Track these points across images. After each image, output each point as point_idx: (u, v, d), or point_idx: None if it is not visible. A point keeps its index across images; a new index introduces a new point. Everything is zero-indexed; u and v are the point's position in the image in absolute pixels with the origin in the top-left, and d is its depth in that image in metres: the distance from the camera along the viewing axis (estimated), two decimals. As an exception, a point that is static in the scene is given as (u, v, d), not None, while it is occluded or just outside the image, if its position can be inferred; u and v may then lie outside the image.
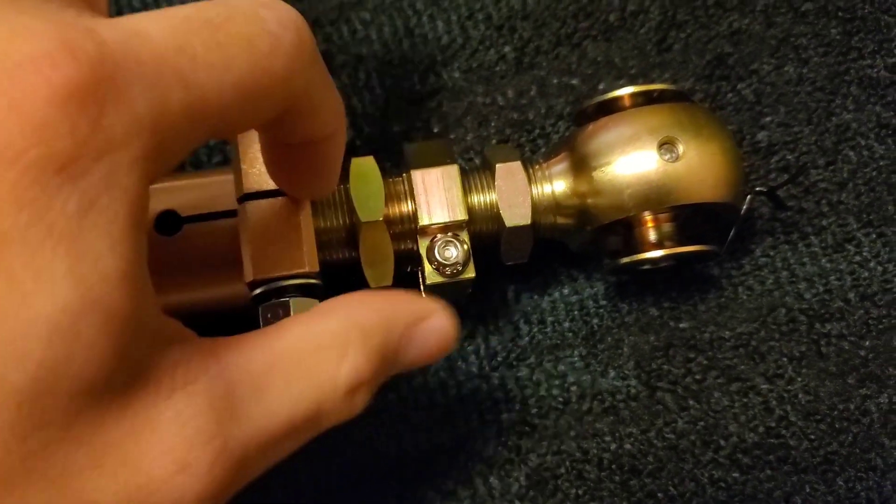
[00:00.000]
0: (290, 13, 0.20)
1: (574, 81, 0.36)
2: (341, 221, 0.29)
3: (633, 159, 0.29)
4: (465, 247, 0.29)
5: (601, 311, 0.34)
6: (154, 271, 0.27)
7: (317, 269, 0.27)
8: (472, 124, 0.36)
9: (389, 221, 0.29)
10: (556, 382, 0.33)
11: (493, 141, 0.35)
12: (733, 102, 0.36)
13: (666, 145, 0.29)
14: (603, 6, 0.37)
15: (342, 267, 0.30)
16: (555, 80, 0.36)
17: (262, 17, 0.19)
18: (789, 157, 0.35)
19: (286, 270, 0.27)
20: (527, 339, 0.33)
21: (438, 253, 0.29)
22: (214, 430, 0.18)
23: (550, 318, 0.33)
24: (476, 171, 0.31)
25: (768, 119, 0.35)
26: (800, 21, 0.36)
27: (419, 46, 0.37)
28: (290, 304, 0.26)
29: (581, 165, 0.30)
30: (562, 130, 0.35)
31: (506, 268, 0.33)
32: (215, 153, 0.35)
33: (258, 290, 0.27)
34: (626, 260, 0.30)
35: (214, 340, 0.20)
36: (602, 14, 0.37)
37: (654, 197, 0.29)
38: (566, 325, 0.33)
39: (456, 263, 0.29)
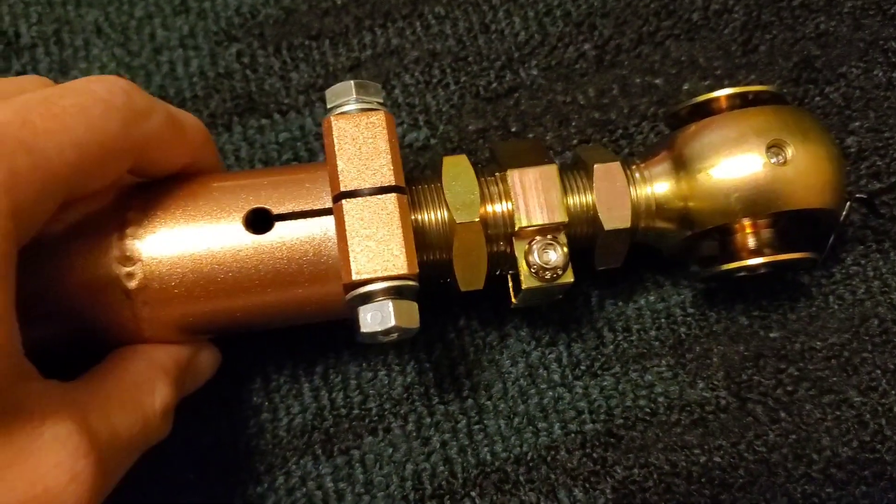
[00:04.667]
0: (119, 82, 0.25)
1: (657, 81, 0.35)
2: (437, 220, 0.28)
3: (739, 162, 0.28)
4: (565, 250, 0.28)
5: (689, 319, 0.32)
6: (243, 269, 0.26)
7: (416, 271, 0.26)
8: (551, 123, 0.34)
9: (483, 223, 0.28)
10: (643, 392, 0.32)
11: (574, 141, 0.34)
12: (821, 106, 0.35)
13: (773, 148, 0.28)
14: (686, 4, 0.36)
15: (434, 268, 0.28)
16: (637, 80, 0.35)
17: (92, 89, 0.24)
18: (879, 163, 0.34)
19: (386, 272, 0.25)
20: (611, 347, 0.32)
21: (538, 256, 0.27)
22: (88, 445, 0.22)
23: (636, 326, 0.32)
24: (571, 171, 0.29)
25: (857, 124, 0.34)
26: (889, 24, 0.35)
27: (495, 43, 0.36)
28: (391, 306, 0.25)
29: (682, 167, 0.29)
30: (646, 131, 0.34)
31: (589, 273, 0.31)
32: (286, 149, 0.34)
33: (356, 292, 0.25)
34: (726, 267, 0.29)
35: (60, 382, 0.24)
36: (685, 13, 0.36)
37: (762, 202, 0.28)
38: (652, 333, 0.32)
39: (556, 267, 0.27)
